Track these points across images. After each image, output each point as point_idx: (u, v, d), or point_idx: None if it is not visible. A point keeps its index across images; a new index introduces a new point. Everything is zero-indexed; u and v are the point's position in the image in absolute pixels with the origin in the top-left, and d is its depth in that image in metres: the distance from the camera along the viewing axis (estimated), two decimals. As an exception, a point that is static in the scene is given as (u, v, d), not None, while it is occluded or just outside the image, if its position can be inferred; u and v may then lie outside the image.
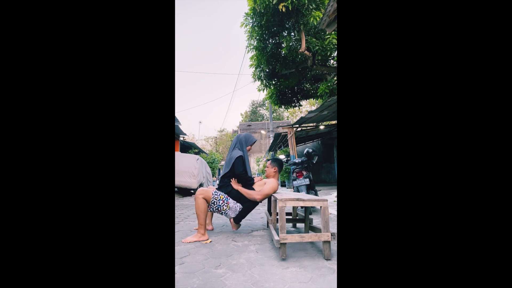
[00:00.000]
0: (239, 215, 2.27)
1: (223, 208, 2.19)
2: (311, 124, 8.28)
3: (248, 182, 2.31)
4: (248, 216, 3.28)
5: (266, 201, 2.73)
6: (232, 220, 2.30)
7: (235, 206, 2.23)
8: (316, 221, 2.76)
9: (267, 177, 2.41)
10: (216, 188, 2.31)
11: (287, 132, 8.04)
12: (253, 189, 2.29)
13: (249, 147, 2.45)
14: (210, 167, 9.09)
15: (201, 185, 6.98)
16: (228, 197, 2.22)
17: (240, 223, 2.38)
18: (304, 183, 3.41)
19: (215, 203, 2.16)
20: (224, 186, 2.29)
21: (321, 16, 4.70)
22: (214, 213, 3.53)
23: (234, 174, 2.28)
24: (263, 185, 2.28)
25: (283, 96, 8.73)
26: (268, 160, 2.64)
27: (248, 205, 2.26)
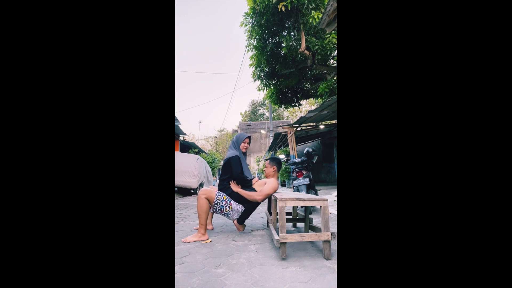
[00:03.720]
0: (242, 216, 2.26)
1: (225, 209, 2.19)
2: (311, 124, 8.28)
3: (247, 184, 2.30)
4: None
5: (266, 200, 2.73)
6: (235, 221, 2.30)
7: (237, 208, 2.23)
8: (316, 220, 2.76)
9: (266, 176, 2.40)
10: (219, 189, 2.30)
11: (287, 131, 8.04)
12: (253, 189, 2.28)
13: (244, 144, 2.40)
14: (210, 167, 9.08)
15: (201, 184, 6.98)
16: (231, 199, 2.22)
17: (245, 223, 2.37)
18: (304, 183, 3.41)
19: (218, 203, 2.17)
20: (224, 189, 2.28)
21: (321, 16, 4.70)
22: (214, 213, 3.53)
23: (233, 176, 2.27)
24: (263, 185, 2.28)
25: (283, 95, 8.73)
26: (267, 159, 2.63)
27: (250, 205, 2.26)
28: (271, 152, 15.30)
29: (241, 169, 2.28)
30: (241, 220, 2.28)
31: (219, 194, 2.18)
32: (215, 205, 2.17)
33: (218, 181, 2.44)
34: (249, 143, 2.44)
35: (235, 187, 2.25)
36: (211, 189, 2.20)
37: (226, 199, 2.19)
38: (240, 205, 2.25)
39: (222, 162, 2.38)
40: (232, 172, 2.26)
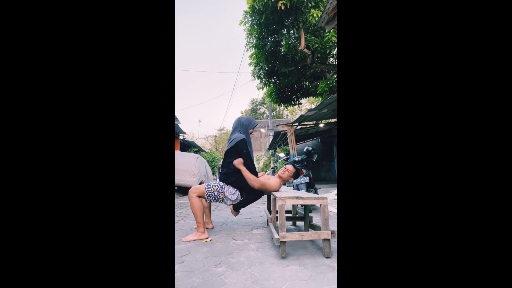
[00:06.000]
0: (239, 204, 2.25)
1: (220, 197, 2.20)
2: (311, 122, 8.28)
3: (250, 168, 2.24)
4: (248, 215, 3.29)
5: (266, 199, 2.73)
6: (231, 206, 2.29)
7: (231, 195, 2.22)
8: (316, 219, 2.77)
9: (279, 176, 2.33)
10: (222, 173, 2.28)
11: (286, 130, 8.04)
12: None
13: (251, 130, 2.34)
14: (210, 166, 9.09)
15: (201, 183, 6.99)
16: (223, 186, 2.20)
17: (240, 211, 2.34)
18: (303, 181, 3.41)
19: (211, 195, 2.17)
20: (229, 173, 2.21)
21: (320, 14, 4.69)
22: (213, 212, 3.54)
23: (240, 158, 2.21)
24: (267, 180, 2.27)
25: (283, 94, 8.73)
26: (289, 163, 2.54)
27: (250, 197, 2.24)
28: (271, 151, 15.30)
29: (248, 151, 2.21)
30: (237, 207, 2.27)
31: (208, 186, 2.18)
32: (209, 197, 2.17)
33: (220, 167, 2.38)
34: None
35: (239, 165, 2.15)
36: (199, 185, 2.20)
37: (217, 188, 2.18)
38: (237, 193, 2.23)
39: (228, 142, 2.27)
40: (239, 155, 2.18)
